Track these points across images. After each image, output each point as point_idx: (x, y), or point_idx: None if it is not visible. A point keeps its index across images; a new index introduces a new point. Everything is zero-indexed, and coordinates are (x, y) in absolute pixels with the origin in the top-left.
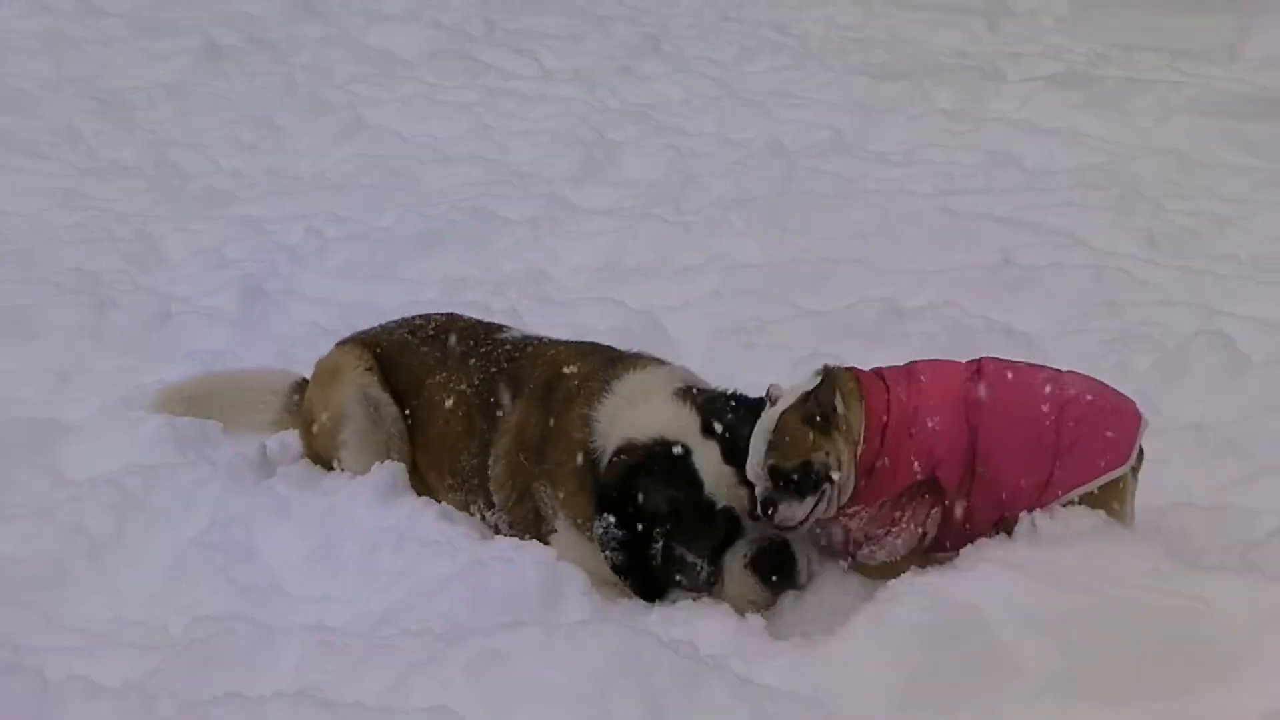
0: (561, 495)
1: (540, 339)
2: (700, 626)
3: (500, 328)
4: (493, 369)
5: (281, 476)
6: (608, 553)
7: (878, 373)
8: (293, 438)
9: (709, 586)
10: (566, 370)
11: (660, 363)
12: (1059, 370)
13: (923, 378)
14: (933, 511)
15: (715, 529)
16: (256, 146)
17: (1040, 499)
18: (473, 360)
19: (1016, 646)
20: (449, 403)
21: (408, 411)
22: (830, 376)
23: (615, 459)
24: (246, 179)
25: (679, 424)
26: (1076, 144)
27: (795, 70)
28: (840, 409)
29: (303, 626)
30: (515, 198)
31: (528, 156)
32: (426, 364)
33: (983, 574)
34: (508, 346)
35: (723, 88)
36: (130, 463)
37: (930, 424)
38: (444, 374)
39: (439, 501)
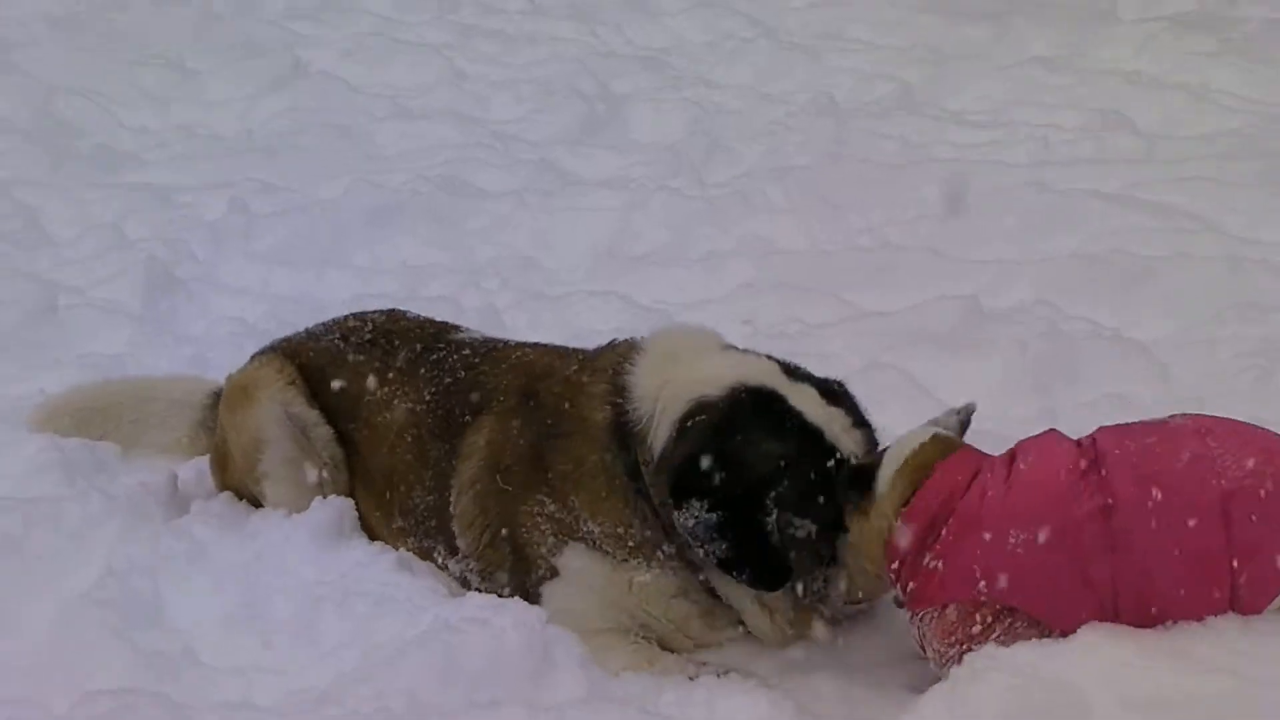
0: (582, 506)
1: (506, 342)
2: (722, 708)
3: (454, 328)
4: (448, 379)
5: (197, 514)
6: (708, 548)
7: (975, 459)
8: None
9: (827, 569)
10: (548, 368)
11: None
12: (1198, 423)
13: (1022, 464)
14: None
15: (840, 484)
16: (166, 97)
17: (1222, 608)
18: (423, 370)
19: None
20: (395, 424)
21: (342, 435)
22: (903, 443)
23: (689, 424)
24: (153, 137)
25: (757, 369)
26: (1207, 102)
27: (848, 6)
28: (882, 486)
29: (223, 705)
30: (495, 165)
31: (511, 113)
32: (364, 376)
33: (1084, 646)
34: (466, 351)
35: (757, 27)
36: (3, 495)
37: (1012, 540)
38: (387, 388)
39: (395, 548)
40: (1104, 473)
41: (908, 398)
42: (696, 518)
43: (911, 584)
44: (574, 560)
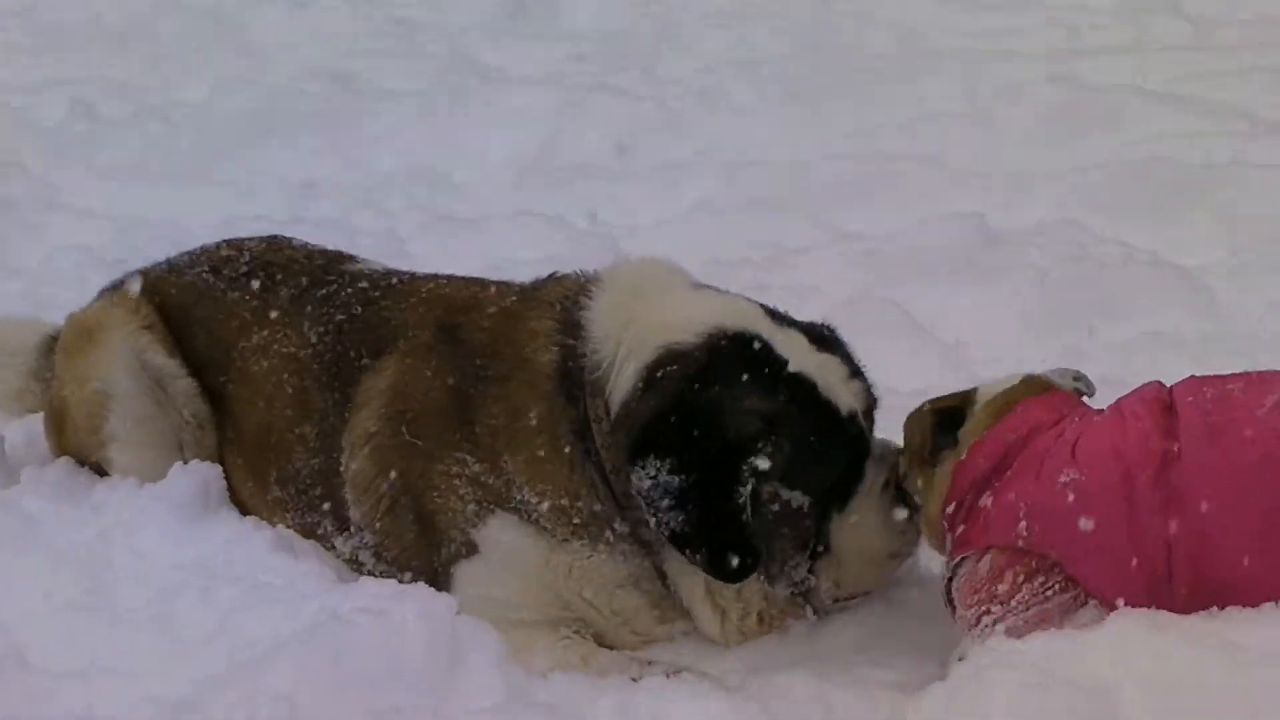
0: (517, 469)
1: (414, 274)
2: (672, 716)
3: (349, 258)
4: (341, 317)
5: (28, 484)
6: (661, 517)
7: (1068, 402)
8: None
9: (814, 558)
10: (473, 300)
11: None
12: None
13: (1109, 410)
14: (1076, 613)
15: (841, 448)
16: None
17: None
18: (309, 307)
19: None
20: (274, 373)
21: (210, 389)
22: (995, 384)
23: (659, 375)
24: None
25: (737, 312)
26: None
27: None
28: (969, 426)
29: (63, 716)
30: (399, 57)
31: None
32: (238, 317)
33: (1114, 637)
34: (363, 284)
35: None
36: None
37: (1063, 480)
38: (266, 331)
39: (272, 524)
40: (1174, 419)
41: (904, 337)
42: (654, 478)
43: (961, 528)
44: (500, 534)
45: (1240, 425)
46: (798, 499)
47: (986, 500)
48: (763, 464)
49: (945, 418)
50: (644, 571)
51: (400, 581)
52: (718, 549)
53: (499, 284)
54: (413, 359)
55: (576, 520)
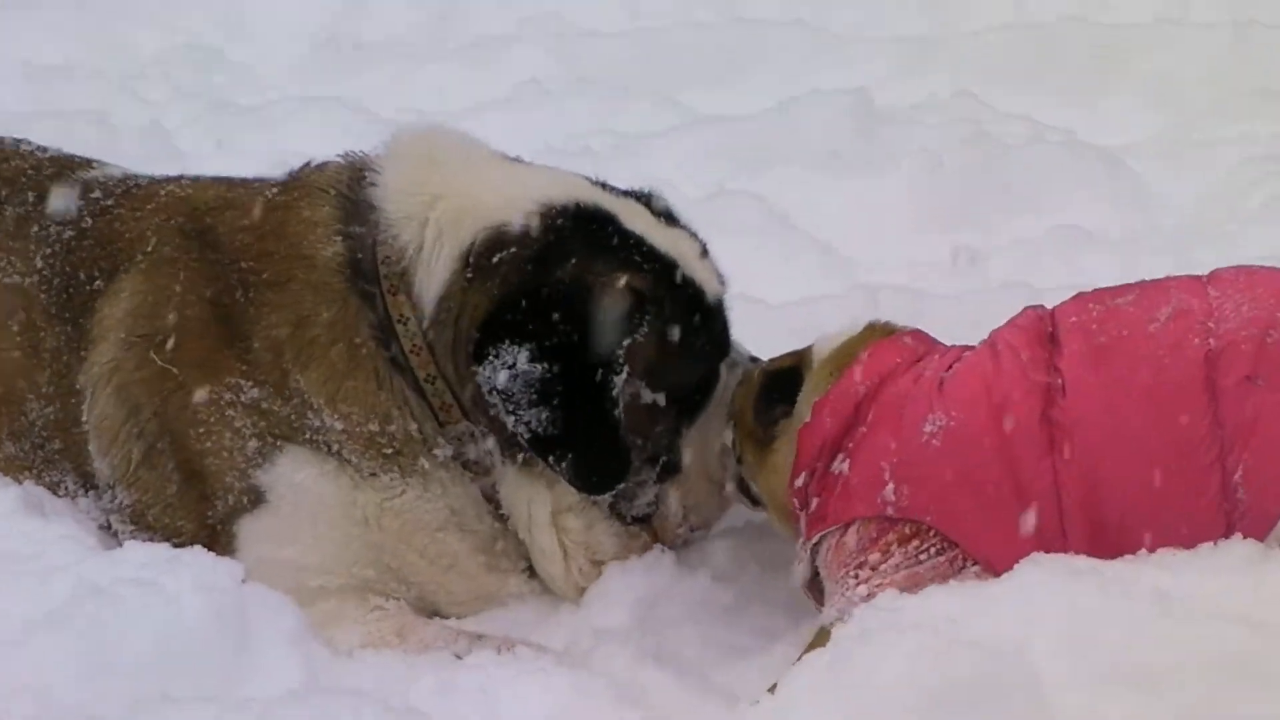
0: (311, 388)
1: (154, 178)
2: (504, 698)
3: (85, 164)
4: (70, 234)
5: None
6: (520, 416)
7: (920, 343)
8: None
9: (662, 479)
10: (223, 200)
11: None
12: (1213, 275)
13: (977, 344)
14: (955, 577)
15: (708, 342)
16: None
17: (1214, 525)
18: (36, 228)
19: (1090, 713)
20: None
21: None
22: (833, 337)
23: (493, 260)
24: None
25: (563, 183)
26: None
27: None
28: (809, 388)
29: None
30: None
31: None
32: None
33: (1024, 589)
34: (95, 194)
35: None
36: None
37: (928, 429)
38: None
39: (19, 481)
40: (1056, 348)
41: (773, 239)
42: (512, 370)
43: (815, 500)
44: (292, 475)
45: (1131, 343)
46: (658, 399)
47: (842, 465)
48: (636, 352)
49: (779, 381)
50: (470, 505)
51: (173, 546)
52: (588, 451)
53: (250, 182)
54: (156, 274)
55: (387, 448)
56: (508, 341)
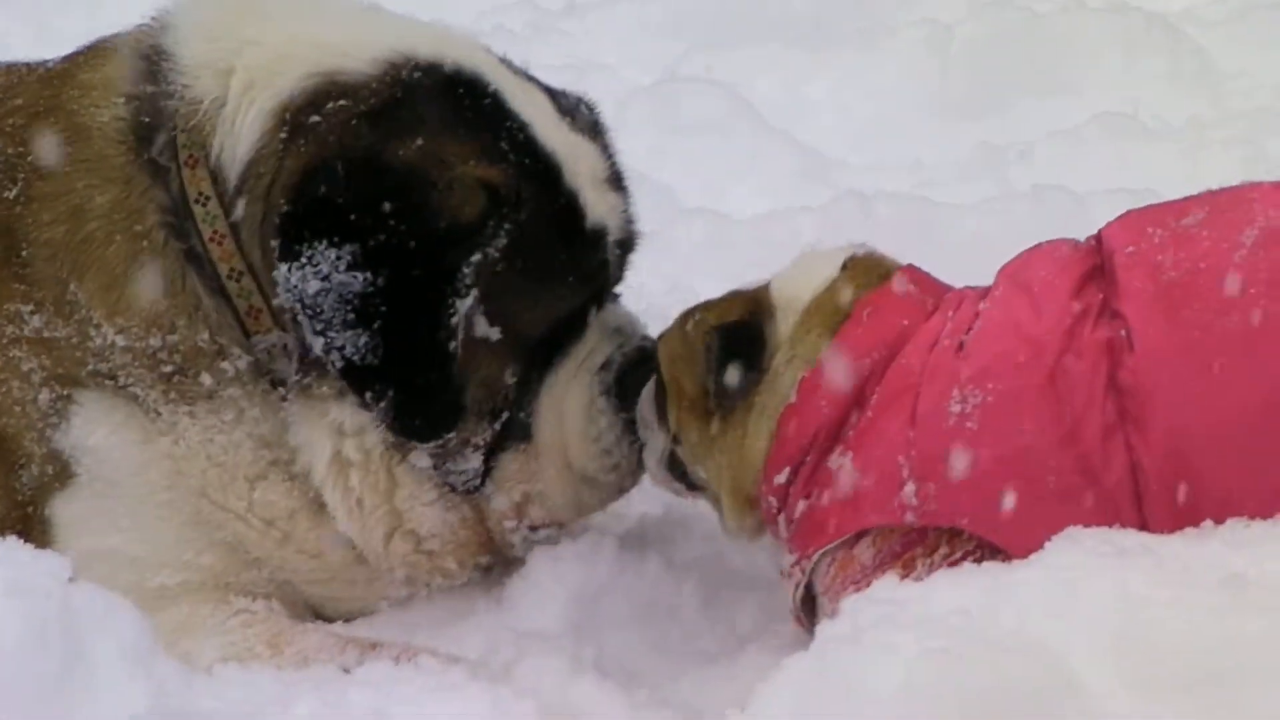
0: (93, 300)
1: None
2: (396, 695)
3: None
4: None
5: None
6: (331, 337)
7: (927, 290)
8: None
9: (502, 441)
10: None
11: None
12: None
13: (997, 293)
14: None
15: (573, 274)
16: None
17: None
18: None
19: None
20: None
21: None
22: (802, 275)
23: (313, 117)
24: None
25: (439, 38)
26: None
27: None
28: (781, 352)
29: None
30: None
31: None
32: None
33: (1055, 572)
34: None
35: None
36: None
37: (956, 409)
38: None
39: None
40: (1111, 285)
41: (739, 134)
42: (321, 276)
43: (804, 504)
44: (92, 434)
45: (1214, 278)
46: (501, 335)
47: (844, 460)
48: (484, 270)
49: (735, 338)
50: (283, 438)
51: None
52: (413, 389)
53: (37, 61)
54: None
55: (168, 367)
56: (319, 236)
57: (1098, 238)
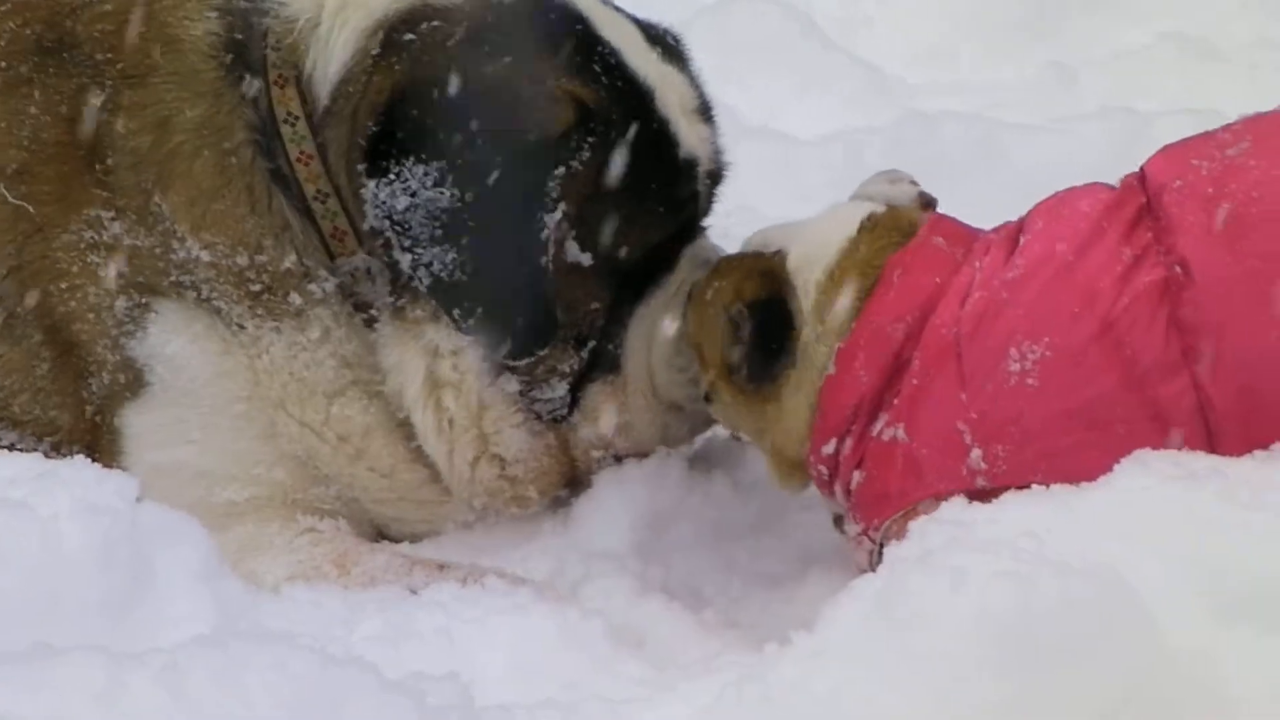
0: (177, 213)
1: None
2: (473, 645)
3: None
4: None
5: None
6: (421, 254)
7: (956, 241)
8: None
9: (590, 372)
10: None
11: None
12: None
13: (1030, 236)
14: None
15: (668, 203)
16: None
17: None
18: None
19: (1210, 657)
20: None
21: None
22: (822, 231)
23: (407, 36)
24: None
25: None
26: None
27: None
28: (810, 318)
29: None
30: None
31: None
32: None
33: (1137, 494)
34: None
35: None
36: None
37: (1014, 367)
38: None
39: None
40: (1160, 223)
41: (794, 52)
42: (411, 189)
43: (859, 476)
44: (169, 342)
45: (1270, 208)
46: (586, 259)
47: (895, 431)
48: (571, 186)
49: (756, 317)
50: (365, 359)
51: (46, 456)
52: (504, 305)
53: None
54: (8, 97)
55: (256, 286)
56: (411, 156)
57: (1140, 174)
